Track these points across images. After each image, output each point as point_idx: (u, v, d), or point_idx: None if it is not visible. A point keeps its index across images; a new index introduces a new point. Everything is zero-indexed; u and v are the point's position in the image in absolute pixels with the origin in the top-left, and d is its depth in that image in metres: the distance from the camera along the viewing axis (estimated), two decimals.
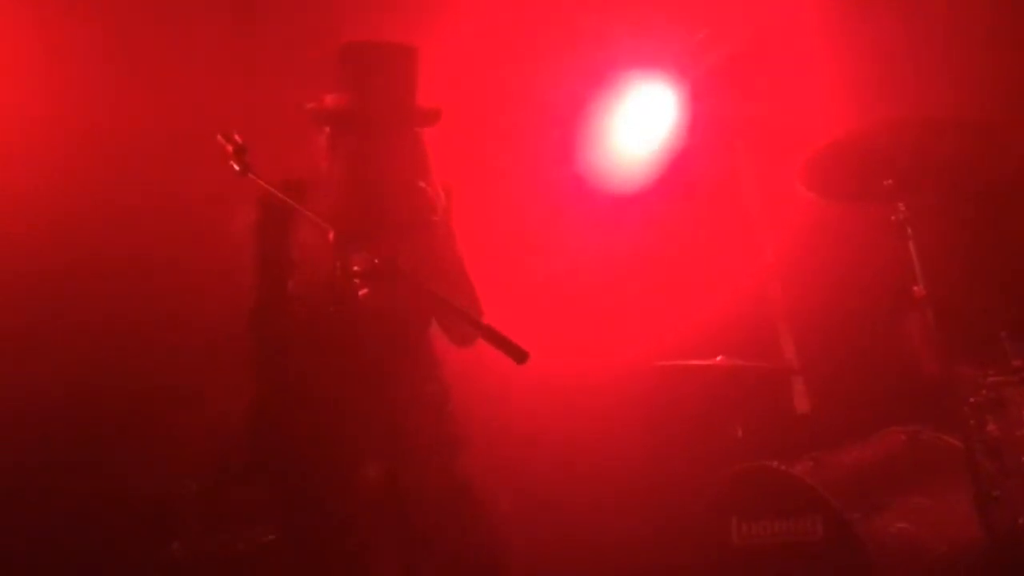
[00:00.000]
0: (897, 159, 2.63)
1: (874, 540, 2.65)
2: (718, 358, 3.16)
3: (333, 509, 2.07)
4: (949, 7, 3.18)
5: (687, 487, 3.21)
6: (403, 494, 2.05)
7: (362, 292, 1.85)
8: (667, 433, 3.58)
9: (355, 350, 2.06)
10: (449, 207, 2.24)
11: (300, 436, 2.09)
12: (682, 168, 3.76)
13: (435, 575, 2.06)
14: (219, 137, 2.00)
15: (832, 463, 2.90)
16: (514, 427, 3.36)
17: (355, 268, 1.85)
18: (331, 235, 1.86)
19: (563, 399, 3.44)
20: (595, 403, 3.50)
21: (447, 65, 3.32)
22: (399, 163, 2.15)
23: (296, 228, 2.10)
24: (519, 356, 1.83)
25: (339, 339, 2.09)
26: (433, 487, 2.09)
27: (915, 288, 2.63)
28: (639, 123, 3.74)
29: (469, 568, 2.08)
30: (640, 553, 3.38)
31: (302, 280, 2.07)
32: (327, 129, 2.17)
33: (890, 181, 2.65)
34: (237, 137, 2.00)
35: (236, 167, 2.00)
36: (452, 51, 3.33)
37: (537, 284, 3.53)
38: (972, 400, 2.55)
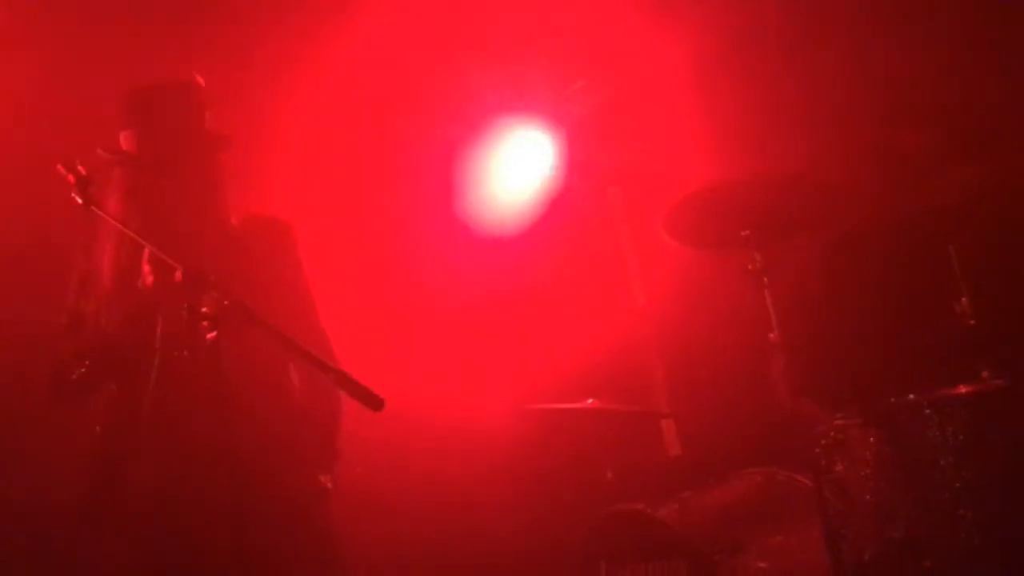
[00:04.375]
0: (753, 211, 2.76)
1: None
2: (589, 401, 3.20)
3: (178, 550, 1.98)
4: (803, 73, 3.40)
5: (557, 530, 3.21)
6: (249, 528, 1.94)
7: (210, 335, 1.77)
8: (538, 476, 3.58)
9: (206, 391, 1.97)
10: (293, 242, 2.26)
11: (145, 479, 2.01)
12: (556, 213, 3.83)
13: None
14: (60, 167, 1.89)
15: (696, 505, 2.96)
16: (383, 469, 3.29)
17: (203, 310, 1.78)
18: (178, 274, 1.78)
19: (433, 441, 3.40)
20: (465, 445, 3.48)
21: (326, 110, 3.30)
22: (194, 193, 2.16)
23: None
24: (375, 404, 1.78)
25: (190, 381, 2.00)
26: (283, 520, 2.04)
27: (771, 334, 2.75)
28: (515, 168, 3.80)
29: None
30: None
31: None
32: (118, 171, 2.18)
33: (747, 232, 2.78)
34: (80, 168, 1.90)
35: (79, 200, 1.89)
36: (332, 97, 3.31)
37: (408, 325, 3.50)
38: (822, 442, 2.67)
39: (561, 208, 3.83)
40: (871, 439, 2.56)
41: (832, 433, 2.64)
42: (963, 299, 2.60)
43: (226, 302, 1.77)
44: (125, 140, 2.18)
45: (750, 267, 2.77)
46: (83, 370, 1.98)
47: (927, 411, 2.50)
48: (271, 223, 2.30)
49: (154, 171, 2.15)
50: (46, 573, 2.71)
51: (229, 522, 1.90)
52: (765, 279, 2.75)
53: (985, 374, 2.49)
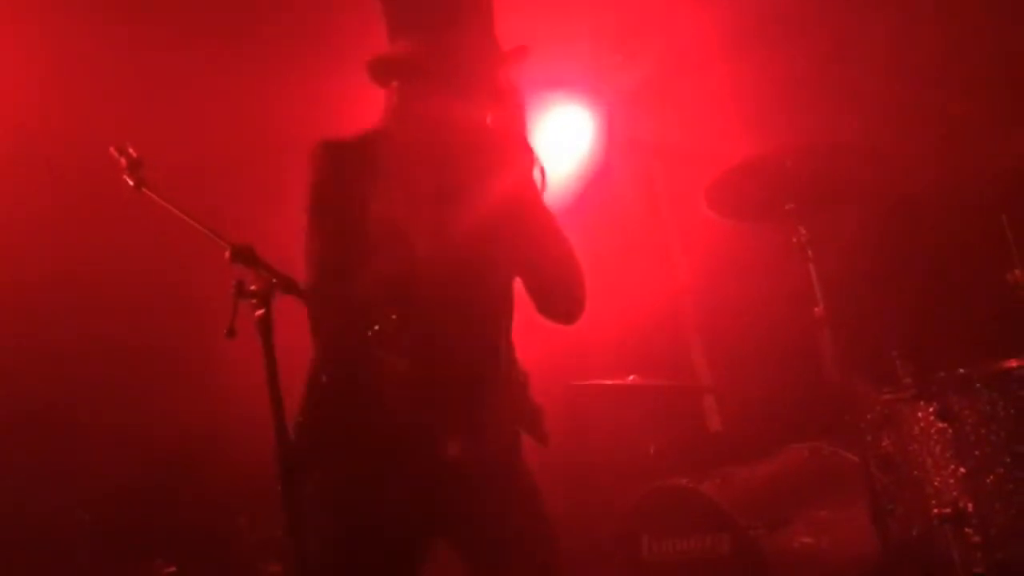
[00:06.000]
0: (798, 184, 2.73)
1: (778, 555, 2.71)
2: (631, 377, 3.20)
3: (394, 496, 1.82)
4: (852, 39, 3.32)
5: (600, 504, 3.23)
6: (459, 489, 1.85)
7: (258, 313, 1.80)
8: (580, 451, 3.59)
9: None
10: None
11: (368, 420, 1.83)
12: (598, 189, 3.81)
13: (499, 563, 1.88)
14: (112, 150, 1.93)
15: (739, 479, 2.96)
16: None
17: (252, 288, 1.81)
18: (226, 253, 1.81)
19: None
20: None
21: (368, 93, 3.30)
22: (491, 112, 1.76)
23: (379, 190, 1.80)
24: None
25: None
26: (495, 483, 1.88)
27: (816, 309, 2.72)
28: (556, 145, 3.79)
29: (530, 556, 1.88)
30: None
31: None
32: (395, 84, 1.83)
33: (791, 205, 2.74)
34: (131, 150, 1.93)
35: (130, 182, 1.93)
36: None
37: None
38: (868, 416, 2.64)
39: (602, 184, 3.81)
40: (919, 414, 2.54)
41: (879, 408, 2.62)
42: (1016, 270, 2.54)
43: (274, 280, 1.79)
44: (402, 47, 1.80)
45: (794, 240, 2.74)
46: (394, 317, 1.72)
47: (978, 385, 2.47)
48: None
49: (438, 83, 1.76)
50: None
51: (448, 476, 1.83)
52: (810, 252, 2.72)
53: None
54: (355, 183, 1.83)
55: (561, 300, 1.96)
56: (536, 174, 1.87)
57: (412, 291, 1.77)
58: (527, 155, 1.83)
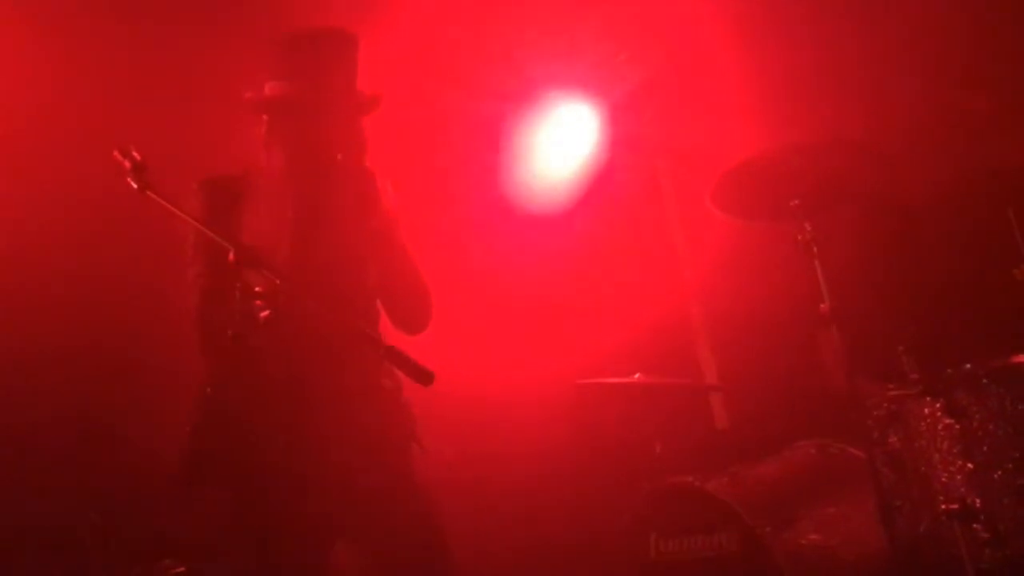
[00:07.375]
0: (803, 181, 2.72)
1: (786, 553, 2.71)
2: (636, 375, 3.20)
3: (284, 514, 1.98)
4: (859, 35, 3.31)
5: (607, 503, 3.23)
6: (351, 493, 1.99)
7: (263, 314, 1.82)
8: (587, 450, 3.60)
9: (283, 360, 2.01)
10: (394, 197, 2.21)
11: (254, 433, 1.99)
12: (603, 188, 3.81)
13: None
14: (116, 153, 1.94)
15: (747, 478, 2.96)
16: (432, 444, 3.33)
17: (256, 289, 1.82)
18: (231, 255, 1.83)
19: (482, 417, 3.44)
20: (514, 421, 3.50)
21: (369, 87, 3.31)
22: (342, 148, 2.08)
23: (248, 216, 2.07)
24: (424, 378, 1.81)
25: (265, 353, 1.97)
26: (382, 485, 2.04)
27: (821, 305, 2.71)
28: (560, 143, 3.79)
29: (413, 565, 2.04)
30: (560, 569, 3.39)
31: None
32: (265, 118, 2.14)
33: (796, 202, 2.73)
34: (135, 153, 1.95)
35: (134, 185, 1.95)
36: (376, 73, 3.32)
37: (456, 302, 3.53)
38: (875, 413, 2.63)
39: (608, 182, 3.81)
40: (926, 410, 2.53)
41: (886, 405, 2.61)
42: (1023, 265, 2.53)
43: (278, 281, 1.80)
44: (274, 87, 2.11)
45: (800, 237, 2.73)
46: (265, 334, 1.88)
47: (985, 381, 2.46)
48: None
49: (302, 120, 2.08)
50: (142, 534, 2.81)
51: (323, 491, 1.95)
52: (815, 249, 2.71)
53: None
54: (229, 214, 2.08)
55: (409, 316, 2.21)
56: (383, 204, 2.13)
57: (278, 310, 1.91)
58: (373, 188, 2.10)
